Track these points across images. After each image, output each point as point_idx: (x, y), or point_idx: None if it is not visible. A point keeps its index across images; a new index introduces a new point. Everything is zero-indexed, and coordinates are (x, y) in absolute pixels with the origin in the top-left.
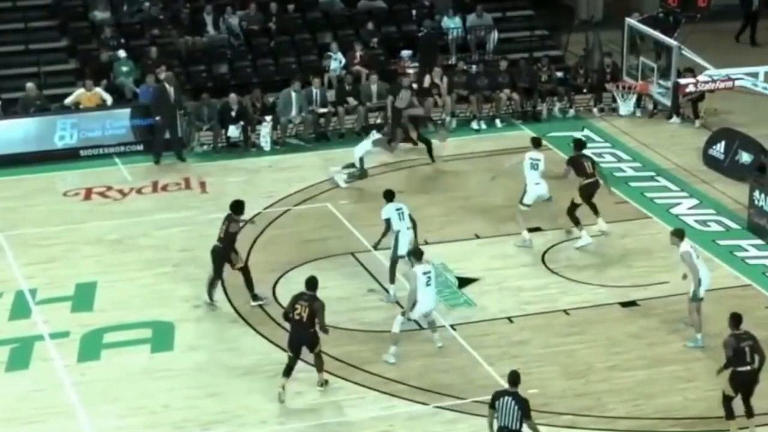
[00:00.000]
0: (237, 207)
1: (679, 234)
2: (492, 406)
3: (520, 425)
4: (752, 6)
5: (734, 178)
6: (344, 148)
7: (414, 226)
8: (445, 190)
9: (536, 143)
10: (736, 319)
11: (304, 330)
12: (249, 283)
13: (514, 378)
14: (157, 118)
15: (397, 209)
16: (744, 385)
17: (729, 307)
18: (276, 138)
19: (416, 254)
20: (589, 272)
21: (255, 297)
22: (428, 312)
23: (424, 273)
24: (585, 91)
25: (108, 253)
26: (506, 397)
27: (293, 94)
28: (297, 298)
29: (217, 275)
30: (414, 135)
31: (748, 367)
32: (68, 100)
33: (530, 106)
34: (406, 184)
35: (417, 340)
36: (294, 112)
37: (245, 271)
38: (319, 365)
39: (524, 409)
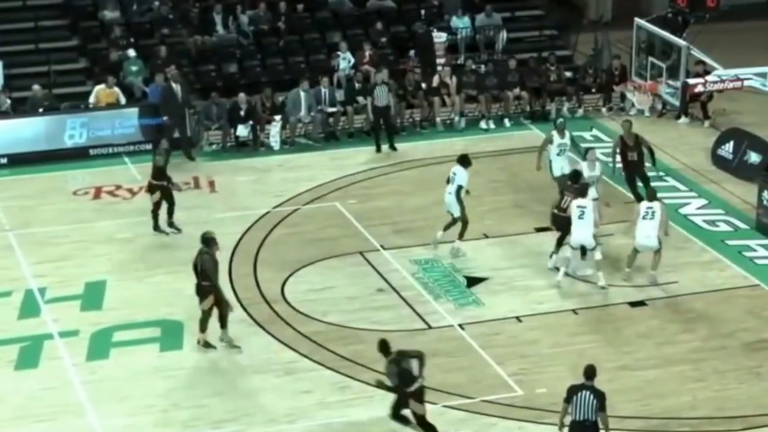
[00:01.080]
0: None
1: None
2: (568, 400)
3: (596, 418)
4: None
5: (743, 178)
6: (353, 148)
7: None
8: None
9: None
10: None
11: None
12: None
13: (591, 371)
14: (165, 117)
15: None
16: None
17: (738, 307)
18: (285, 137)
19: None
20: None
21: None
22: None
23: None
24: (594, 90)
25: (117, 252)
26: (584, 391)
27: (302, 94)
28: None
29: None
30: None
31: None
32: (91, 99)
33: (539, 106)
34: (415, 183)
35: (423, 341)
36: (303, 111)
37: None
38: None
39: (602, 401)
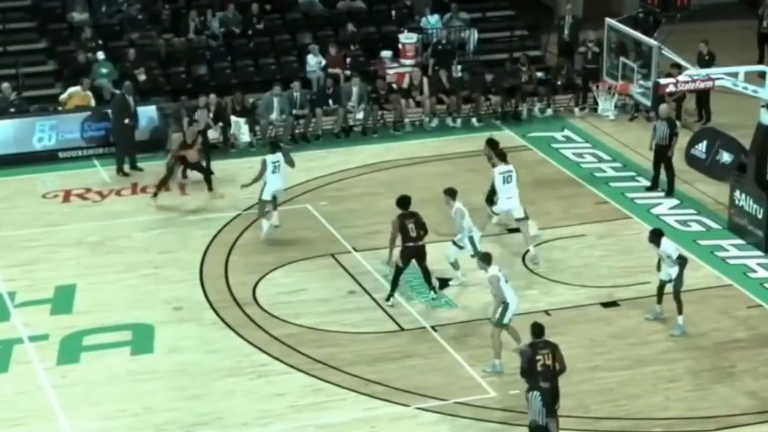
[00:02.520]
0: None
1: (486, 259)
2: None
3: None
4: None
5: (716, 177)
6: (324, 150)
7: None
8: (426, 191)
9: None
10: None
11: None
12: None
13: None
14: (120, 124)
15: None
16: None
17: (711, 307)
18: (254, 140)
19: None
20: (570, 273)
21: None
22: None
23: None
24: (565, 89)
25: (88, 255)
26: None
27: (275, 99)
28: None
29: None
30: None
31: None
32: (62, 97)
33: (511, 107)
34: (386, 185)
35: (396, 343)
36: (275, 115)
37: None
38: None
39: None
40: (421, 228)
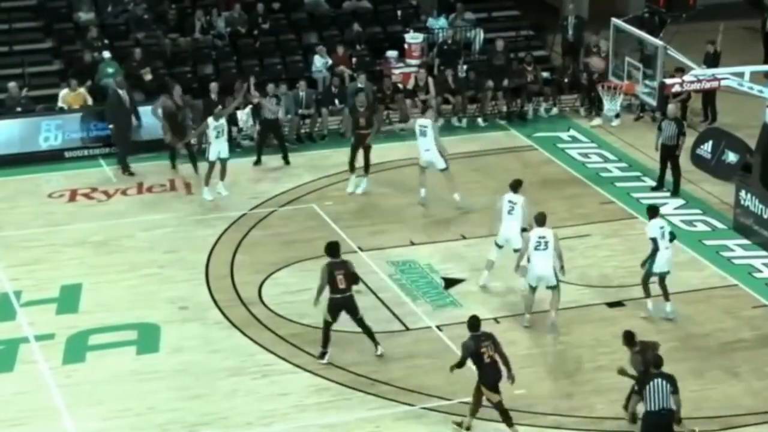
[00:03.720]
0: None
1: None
2: (639, 392)
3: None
4: None
5: (721, 177)
6: (330, 149)
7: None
8: (431, 191)
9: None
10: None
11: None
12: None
13: (658, 361)
14: (110, 126)
15: (661, 227)
16: None
17: (716, 307)
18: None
19: None
20: (575, 273)
21: None
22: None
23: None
24: (570, 89)
25: (93, 254)
26: (657, 379)
27: (282, 98)
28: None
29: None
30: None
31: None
32: (61, 103)
33: (517, 106)
34: (391, 185)
35: (401, 342)
36: (281, 114)
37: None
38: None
39: (675, 384)
40: (351, 279)
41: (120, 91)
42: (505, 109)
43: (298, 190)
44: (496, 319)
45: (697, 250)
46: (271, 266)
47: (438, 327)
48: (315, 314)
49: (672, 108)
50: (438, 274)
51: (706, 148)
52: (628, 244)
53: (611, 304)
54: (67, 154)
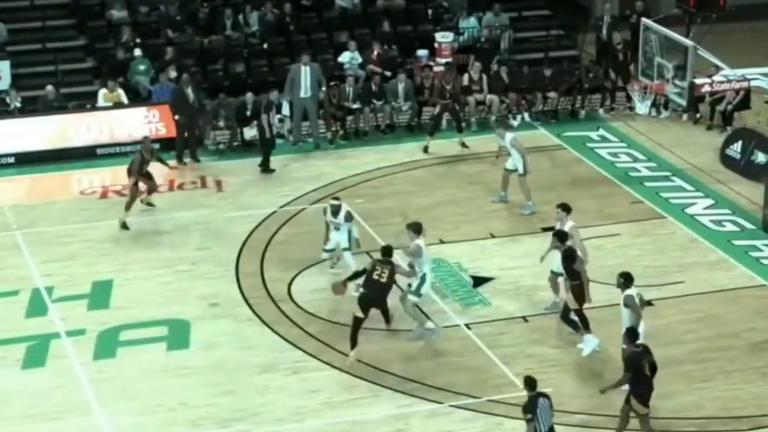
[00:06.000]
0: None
1: (415, 228)
2: (532, 419)
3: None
4: None
5: (750, 178)
6: (361, 148)
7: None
8: (461, 189)
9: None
10: None
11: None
12: None
13: (532, 382)
14: (176, 117)
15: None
16: None
17: (745, 307)
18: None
19: None
20: (604, 272)
21: None
22: None
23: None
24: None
25: (124, 251)
26: (541, 399)
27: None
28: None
29: None
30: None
31: None
32: (102, 103)
33: (569, 104)
34: (421, 183)
35: (430, 340)
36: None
37: None
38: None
39: (550, 400)
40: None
41: (186, 89)
42: (555, 107)
43: (329, 188)
44: (524, 318)
45: (727, 251)
46: (300, 264)
47: (467, 325)
48: (344, 312)
49: None
50: (467, 273)
51: (736, 149)
52: (658, 244)
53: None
54: (99, 151)
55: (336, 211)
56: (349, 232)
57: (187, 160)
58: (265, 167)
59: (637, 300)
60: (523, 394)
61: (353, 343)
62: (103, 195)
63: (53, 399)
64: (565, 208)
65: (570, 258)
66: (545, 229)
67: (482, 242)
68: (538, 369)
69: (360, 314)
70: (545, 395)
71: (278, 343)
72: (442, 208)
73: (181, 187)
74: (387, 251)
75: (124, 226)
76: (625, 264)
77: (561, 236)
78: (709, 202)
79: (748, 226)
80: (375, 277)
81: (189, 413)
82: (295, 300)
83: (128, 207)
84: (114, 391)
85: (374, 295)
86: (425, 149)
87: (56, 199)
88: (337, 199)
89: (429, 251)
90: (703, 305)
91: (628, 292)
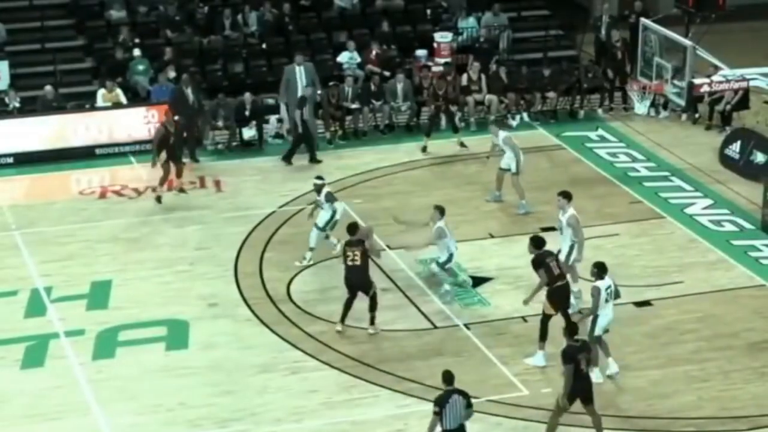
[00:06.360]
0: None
1: (441, 210)
2: (439, 412)
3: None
4: None
5: (749, 177)
6: (359, 148)
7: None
8: (460, 189)
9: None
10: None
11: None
12: None
13: (450, 377)
14: (176, 117)
15: (607, 287)
16: None
17: (744, 307)
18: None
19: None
20: None
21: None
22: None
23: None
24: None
25: (123, 251)
26: (454, 396)
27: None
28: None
29: None
30: None
31: None
32: (101, 103)
33: (568, 104)
34: (420, 183)
35: (429, 340)
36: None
37: None
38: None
39: (469, 399)
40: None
41: (186, 89)
42: (554, 107)
43: (327, 188)
44: (524, 318)
45: (726, 250)
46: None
47: (466, 325)
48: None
49: None
50: (466, 273)
51: (735, 149)
52: (657, 244)
53: (639, 304)
54: (98, 151)
55: (318, 190)
56: (333, 213)
57: (186, 160)
58: (312, 158)
59: (604, 293)
60: (523, 394)
61: (342, 317)
62: (102, 195)
63: (52, 399)
64: (566, 196)
65: (538, 264)
66: (544, 229)
67: (481, 242)
68: (538, 369)
69: (348, 294)
70: (462, 393)
71: (277, 343)
72: None
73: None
74: (351, 230)
75: (158, 200)
76: (624, 264)
77: (536, 243)
78: (708, 202)
79: (747, 226)
80: (349, 263)
81: (188, 413)
82: (294, 300)
83: (162, 182)
84: (113, 391)
85: (354, 280)
86: (423, 149)
87: (55, 199)
88: (319, 178)
89: (428, 250)
90: (702, 305)
91: (597, 283)
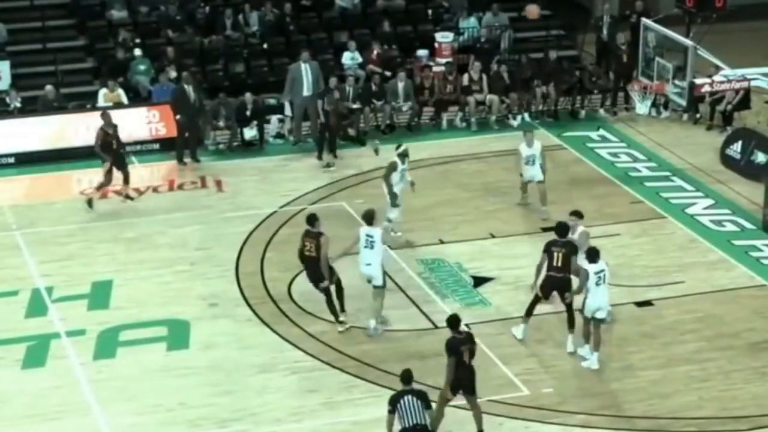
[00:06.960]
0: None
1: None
2: (392, 411)
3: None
4: None
5: (750, 177)
6: (361, 148)
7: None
8: (461, 189)
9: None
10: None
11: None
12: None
13: (408, 377)
14: (178, 117)
15: (597, 272)
16: None
17: (745, 307)
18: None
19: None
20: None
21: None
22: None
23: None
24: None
25: (124, 251)
26: (408, 396)
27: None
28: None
29: None
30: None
31: None
32: (102, 103)
33: (569, 104)
34: (421, 183)
35: (430, 340)
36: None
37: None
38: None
39: (427, 400)
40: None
41: (186, 87)
42: (554, 107)
43: (328, 188)
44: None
45: (726, 250)
46: (300, 264)
47: (467, 325)
48: (346, 312)
49: None
50: (467, 273)
51: (736, 149)
52: (657, 244)
53: (639, 304)
54: None
55: (406, 155)
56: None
57: (187, 160)
58: (332, 150)
59: (593, 276)
60: (524, 394)
61: (333, 314)
62: (103, 195)
63: (53, 399)
64: (578, 215)
65: (545, 248)
66: (545, 230)
67: (482, 242)
68: (538, 369)
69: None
70: (419, 394)
71: (277, 343)
72: (441, 208)
73: (181, 187)
74: (310, 220)
75: (89, 203)
76: (625, 264)
77: (560, 231)
78: (709, 202)
79: (748, 226)
80: (306, 253)
81: (188, 413)
82: (295, 300)
83: (99, 187)
84: (113, 391)
85: (310, 273)
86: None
87: (56, 199)
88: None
89: (428, 251)
90: (702, 305)
91: (587, 266)
